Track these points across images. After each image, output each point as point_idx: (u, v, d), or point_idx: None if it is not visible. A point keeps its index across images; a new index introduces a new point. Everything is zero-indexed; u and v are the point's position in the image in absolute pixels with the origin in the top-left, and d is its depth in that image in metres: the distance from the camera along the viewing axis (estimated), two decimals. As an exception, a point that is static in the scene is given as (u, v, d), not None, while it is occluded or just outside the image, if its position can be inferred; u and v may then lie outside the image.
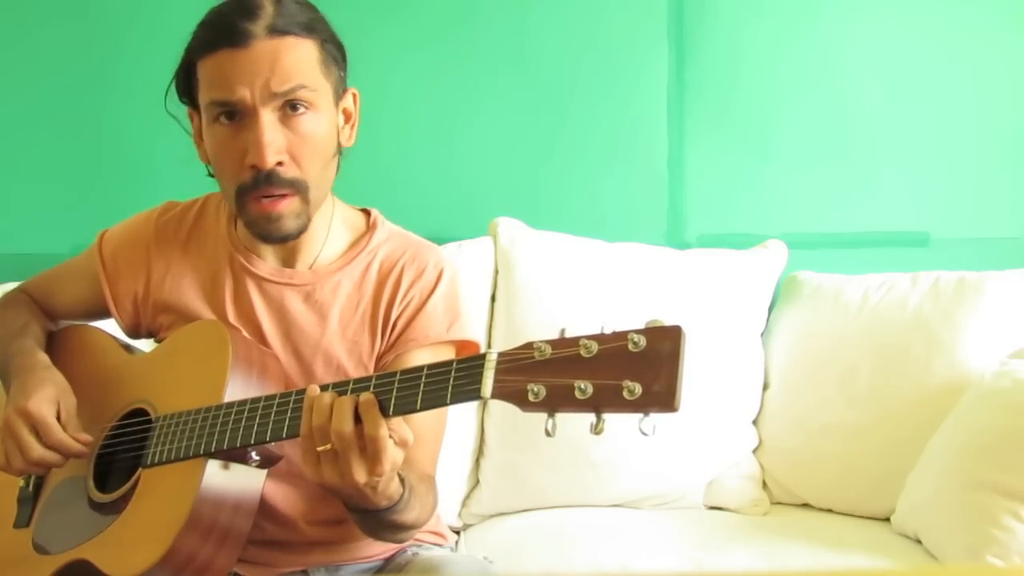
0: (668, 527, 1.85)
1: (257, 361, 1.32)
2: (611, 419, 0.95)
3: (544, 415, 0.98)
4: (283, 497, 1.38)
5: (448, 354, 1.38)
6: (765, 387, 2.04)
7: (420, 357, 1.35)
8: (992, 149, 2.20)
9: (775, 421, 2.02)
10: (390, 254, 1.43)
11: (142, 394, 1.38)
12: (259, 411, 1.20)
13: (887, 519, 1.85)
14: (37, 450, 1.29)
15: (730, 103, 2.21)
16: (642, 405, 0.93)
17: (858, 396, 1.91)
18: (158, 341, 1.48)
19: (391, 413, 1.09)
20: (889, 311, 1.96)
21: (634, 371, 0.94)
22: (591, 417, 0.96)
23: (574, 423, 0.98)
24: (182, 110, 1.39)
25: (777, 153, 2.21)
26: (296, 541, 1.40)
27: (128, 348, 1.50)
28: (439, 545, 1.51)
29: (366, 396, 1.10)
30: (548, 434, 0.97)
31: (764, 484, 2.01)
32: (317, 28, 1.32)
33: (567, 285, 1.98)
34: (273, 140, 1.27)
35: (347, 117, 1.38)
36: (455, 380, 1.05)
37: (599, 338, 0.97)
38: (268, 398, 1.20)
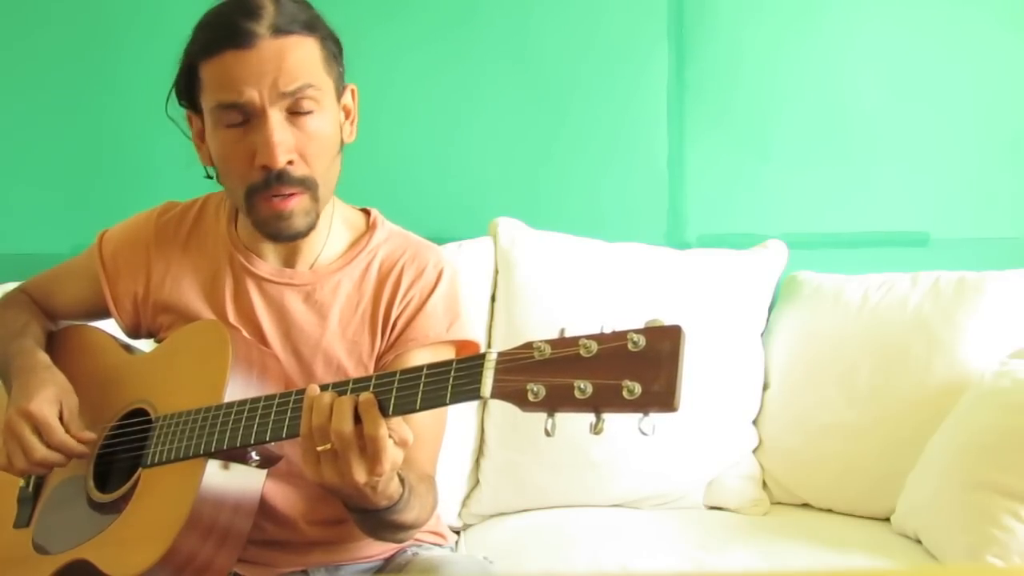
0: (668, 527, 1.85)
1: (257, 361, 1.32)
2: (611, 419, 0.95)
3: (544, 415, 0.98)
4: (283, 497, 1.38)
5: (448, 354, 1.38)
6: (765, 387, 2.04)
7: (420, 357, 1.35)
8: (992, 149, 2.20)
9: (775, 421, 2.02)
10: (390, 254, 1.43)
11: (142, 394, 1.38)
12: (259, 411, 1.20)
13: (887, 519, 1.85)
14: (40, 451, 1.29)
15: (730, 103, 2.21)
16: (642, 405, 0.93)
17: (858, 396, 1.91)
18: (158, 341, 1.48)
19: (391, 413, 1.09)
20: (889, 311, 1.95)
21: (634, 371, 0.94)
22: (591, 417, 0.96)
23: (574, 423, 0.98)
24: (181, 114, 1.39)
25: (777, 153, 2.21)
26: (296, 541, 1.40)
27: (128, 348, 1.50)
28: (439, 545, 1.51)
29: (366, 396, 1.10)
30: (548, 434, 0.97)
31: (764, 484, 2.01)
32: (317, 26, 1.32)
33: (567, 285, 1.98)
34: (283, 140, 1.27)
35: (347, 113, 1.38)
36: (455, 380, 1.05)
37: (599, 338, 0.97)
38: (268, 398, 1.20)
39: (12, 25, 2.16)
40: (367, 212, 1.49)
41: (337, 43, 1.35)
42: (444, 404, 1.06)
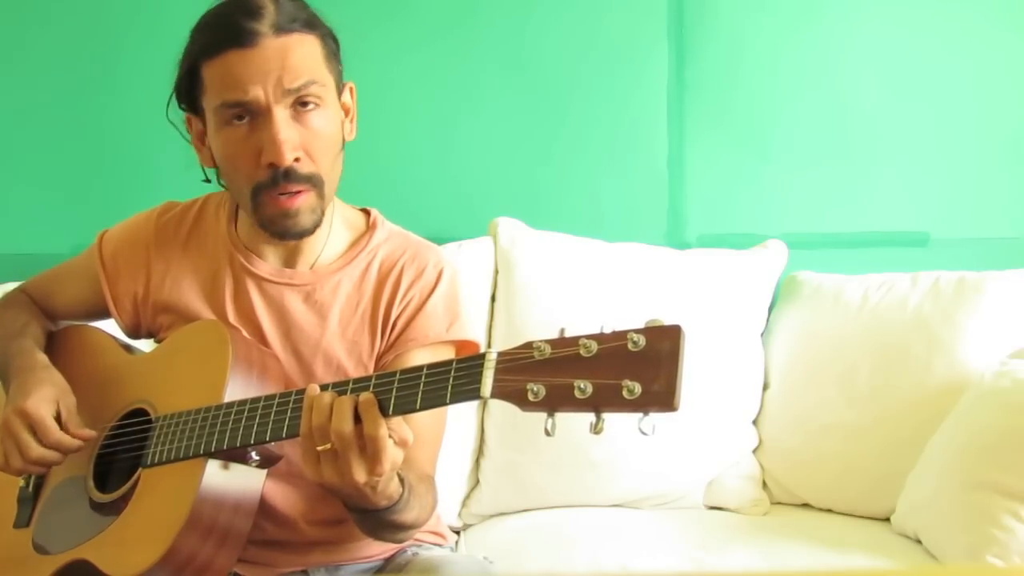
0: (668, 527, 1.85)
1: (257, 361, 1.32)
2: (611, 419, 0.95)
3: (544, 415, 0.98)
4: (283, 497, 1.38)
5: (448, 354, 1.38)
6: (765, 387, 2.04)
7: (420, 357, 1.35)
8: (992, 149, 2.20)
9: (775, 421, 2.02)
10: (390, 254, 1.43)
11: (142, 394, 1.38)
12: (259, 411, 1.20)
13: (887, 519, 1.85)
14: (36, 450, 1.29)
15: (730, 103, 2.21)
16: (642, 404, 0.93)
17: (858, 396, 1.91)
18: (158, 341, 1.48)
19: (391, 413, 1.09)
20: (889, 311, 1.95)
21: (634, 370, 0.94)
22: (591, 417, 0.96)
23: (574, 423, 0.98)
24: (181, 117, 1.39)
25: (777, 153, 2.21)
26: (296, 541, 1.40)
27: (128, 348, 1.50)
28: (439, 545, 1.51)
29: (366, 396, 1.10)
30: (548, 434, 0.97)
31: (764, 484, 2.01)
32: (316, 24, 1.33)
33: (567, 285, 1.98)
34: (289, 137, 1.27)
35: (347, 111, 1.39)
36: (455, 380, 1.05)
37: (599, 338, 0.97)
38: (268, 398, 1.20)
39: (12, 25, 2.16)
40: (367, 212, 1.49)
41: (336, 41, 1.36)
42: (444, 404, 1.06)
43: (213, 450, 1.21)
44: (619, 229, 2.12)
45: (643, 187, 2.22)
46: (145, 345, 1.52)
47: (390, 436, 1.10)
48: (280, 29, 1.27)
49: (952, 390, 1.81)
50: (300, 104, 1.29)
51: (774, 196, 2.22)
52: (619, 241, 2.07)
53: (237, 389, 1.26)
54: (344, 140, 1.37)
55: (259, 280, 1.40)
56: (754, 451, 2.02)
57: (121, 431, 1.36)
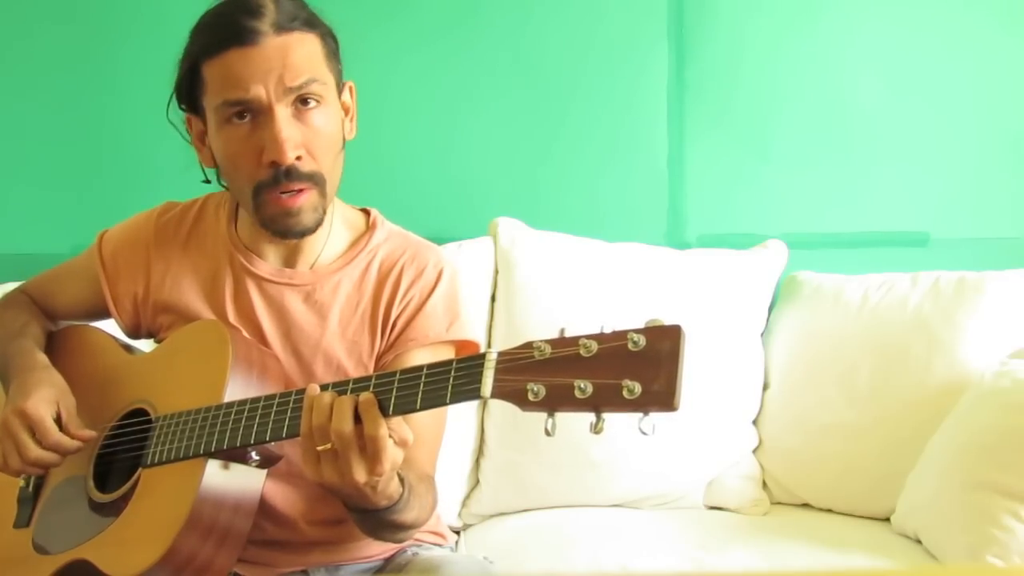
0: (668, 527, 1.85)
1: (257, 361, 1.32)
2: (611, 419, 0.95)
3: (544, 414, 0.98)
4: (283, 497, 1.38)
5: (448, 354, 1.38)
6: (765, 387, 2.04)
7: (420, 357, 1.35)
8: (992, 149, 2.20)
9: (775, 421, 2.02)
10: (390, 254, 1.43)
11: (142, 394, 1.38)
12: (259, 411, 1.20)
13: (887, 519, 1.85)
14: (34, 451, 1.29)
15: (730, 103, 2.21)
16: (642, 404, 0.93)
17: (858, 396, 1.91)
18: (158, 341, 1.48)
19: (391, 413, 1.09)
20: (889, 311, 1.95)
21: (634, 370, 0.94)
22: (591, 417, 0.96)
23: (574, 423, 0.98)
24: (181, 117, 1.39)
25: (777, 153, 2.21)
26: (296, 541, 1.40)
27: (128, 348, 1.50)
28: (439, 545, 1.51)
29: (366, 396, 1.10)
30: (548, 433, 0.97)
31: (764, 484, 2.01)
32: (316, 23, 1.33)
33: (567, 285, 1.98)
34: (291, 135, 1.28)
35: (346, 110, 1.39)
36: (455, 380, 1.05)
37: (599, 337, 0.97)
38: (268, 398, 1.20)
39: (12, 25, 2.16)
40: (367, 212, 1.49)
41: (335, 40, 1.36)
42: (444, 404, 1.06)
43: (213, 450, 1.21)
44: (619, 229, 2.12)
45: (643, 187, 2.22)
46: (145, 345, 1.52)
47: (390, 436, 1.10)
48: (281, 28, 1.28)
49: (952, 390, 1.81)
50: (301, 102, 1.29)
51: (774, 196, 2.22)
52: (619, 241, 2.07)
53: (237, 389, 1.26)
54: (344, 139, 1.37)
55: (259, 280, 1.40)
56: (754, 451, 2.02)
57: (121, 431, 1.36)
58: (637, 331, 0.95)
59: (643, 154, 2.21)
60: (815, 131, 2.21)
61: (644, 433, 0.94)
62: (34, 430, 1.29)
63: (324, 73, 1.31)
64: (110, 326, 1.51)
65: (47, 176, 2.19)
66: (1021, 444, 1.61)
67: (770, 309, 2.10)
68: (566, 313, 1.92)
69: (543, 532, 1.84)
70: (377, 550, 1.44)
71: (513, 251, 2.02)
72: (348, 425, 1.09)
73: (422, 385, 1.07)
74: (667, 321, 0.96)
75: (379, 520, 1.23)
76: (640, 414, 0.94)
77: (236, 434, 1.20)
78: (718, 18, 2.20)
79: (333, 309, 1.39)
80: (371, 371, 1.38)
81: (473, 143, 2.21)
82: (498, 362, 1.01)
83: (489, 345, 1.96)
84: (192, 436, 1.24)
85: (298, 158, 1.29)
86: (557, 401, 0.97)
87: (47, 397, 1.32)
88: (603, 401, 0.95)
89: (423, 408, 1.08)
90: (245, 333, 1.37)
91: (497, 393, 1.00)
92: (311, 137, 1.30)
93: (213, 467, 1.22)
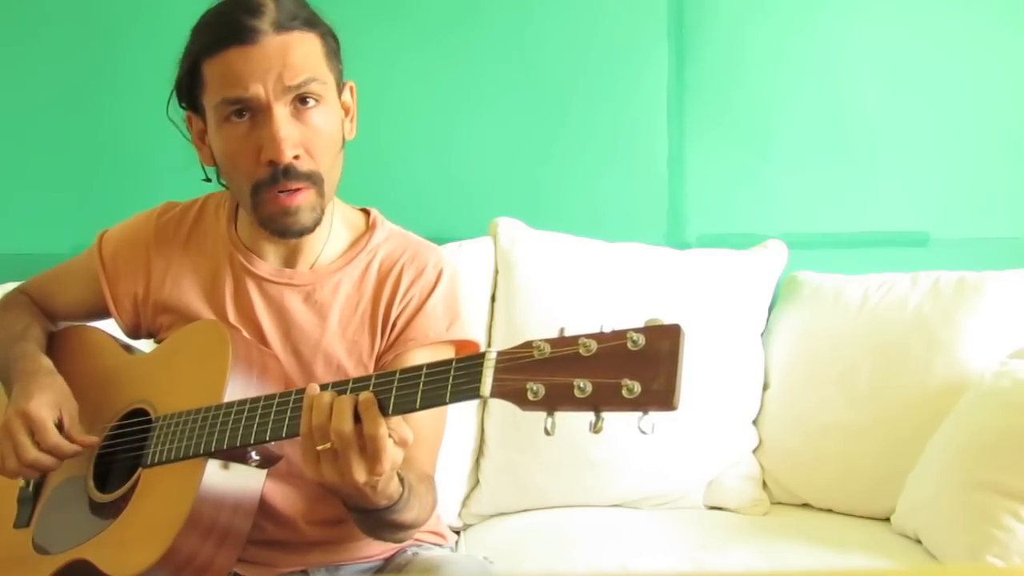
0: (668, 527, 1.85)
1: (257, 361, 1.32)
2: (610, 418, 0.95)
3: (543, 414, 0.98)
4: (283, 497, 1.38)
5: (448, 354, 1.38)
6: (765, 387, 2.04)
7: (420, 357, 1.35)
8: (992, 149, 2.20)
9: (775, 421, 2.02)
10: (390, 254, 1.43)
11: (142, 394, 1.38)
12: (259, 411, 1.20)
13: (887, 519, 1.85)
14: (31, 452, 1.29)
15: (730, 103, 2.21)
16: (641, 404, 0.93)
17: (858, 396, 1.91)
18: (158, 341, 1.48)
19: (390, 412, 1.09)
20: (889, 311, 1.95)
21: (633, 370, 0.94)
22: (590, 416, 0.96)
23: (574, 422, 0.98)
24: (181, 116, 1.39)
25: (777, 153, 2.21)
26: (296, 541, 1.40)
27: (128, 348, 1.50)
28: (439, 545, 1.51)
29: (365, 395, 1.10)
30: (547, 433, 0.97)
31: (764, 484, 2.01)
32: (316, 22, 1.33)
33: (567, 285, 1.98)
34: (289, 134, 1.28)
35: (347, 111, 1.39)
36: (454, 379, 1.05)
37: (598, 337, 0.97)
38: (268, 398, 1.20)
39: (12, 25, 2.17)
40: (367, 212, 1.49)
41: (336, 40, 1.36)
42: (444, 403, 1.06)
43: (213, 450, 1.21)
44: (619, 229, 2.12)
45: (643, 187, 2.22)
46: (145, 345, 1.52)
47: (390, 436, 1.10)
48: (281, 27, 1.28)
49: (952, 390, 1.81)
50: (300, 101, 1.29)
51: (774, 196, 2.22)
52: (619, 241, 2.07)
53: (237, 389, 1.26)
54: (344, 139, 1.37)
55: (259, 280, 1.40)
56: (754, 451, 2.02)
57: (121, 431, 1.36)
58: (637, 330, 0.95)
59: (643, 154, 2.21)
60: (815, 131, 2.21)
61: (644, 432, 0.94)
62: (34, 432, 1.29)
63: (324, 72, 1.31)
64: (110, 326, 1.51)
65: (47, 176, 2.19)
66: (1021, 444, 1.61)
67: (770, 309, 2.10)
68: (566, 313, 1.92)
69: (543, 532, 1.84)
70: (377, 550, 1.44)
71: (513, 251, 2.02)
72: (348, 424, 1.09)
73: (422, 385, 1.07)
74: (667, 320, 0.96)
75: (379, 520, 1.23)
76: (640, 413, 0.94)
77: (236, 434, 1.20)
78: (718, 18, 2.20)
79: (333, 309, 1.39)
80: (371, 371, 1.38)
81: (473, 143, 2.21)
82: (497, 361, 1.01)
83: (489, 345, 1.96)
84: (192, 436, 1.24)
85: (296, 157, 1.29)
86: (557, 400, 0.97)
87: (50, 401, 1.32)
88: (602, 400, 0.95)
89: (423, 407, 1.07)
90: (245, 333, 1.37)
91: (497, 392, 1.00)
92: (310, 136, 1.30)
93: (213, 467, 1.22)
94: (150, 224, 1.48)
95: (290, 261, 1.41)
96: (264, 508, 1.31)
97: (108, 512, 1.30)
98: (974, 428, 1.71)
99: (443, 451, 1.44)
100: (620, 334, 0.96)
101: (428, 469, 1.39)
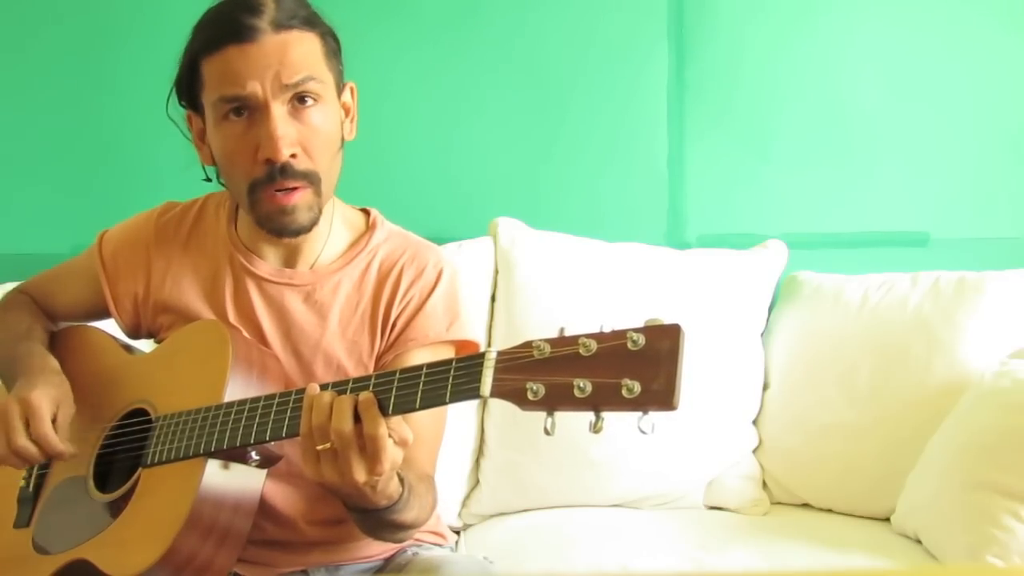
0: (668, 527, 1.85)
1: (257, 361, 1.32)
2: (610, 418, 0.95)
3: (543, 414, 0.98)
4: (283, 497, 1.38)
5: (448, 354, 1.38)
6: (765, 387, 2.04)
7: (420, 356, 1.35)
8: (992, 149, 2.20)
9: (775, 421, 2.02)
10: (390, 254, 1.43)
11: (142, 394, 1.38)
12: (259, 411, 1.20)
13: (887, 519, 1.85)
14: (21, 438, 1.27)
15: (730, 103, 2.21)
16: (641, 404, 0.93)
17: (858, 396, 1.91)
18: (158, 341, 1.48)
19: (390, 412, 1.09)
20: (889, 311, 1.95)
21: (633, 369, 0.94)
22: (590, 416, 0.96)
23: (573, 422, 0.98)
24: (181, 115, 1.39)
25: (777, 153, 2.21)
26: (296, 541, 1.40)
27: (128, 348, 1.50)
28: (439, 545, 1.51)
29: (365, 395, 1.10)
30: (547, 433, 0.97)
31: (764, 484, 2.01)
32: (316, 22, 1.33)
33: (567, 285, 1.98)
34: (286, 133, 1.28)
35: (347, 111, 1.39)
36: (454, 379, 1.05)
37: (598, 337, 0.97)
38: (268, 398, 1.20)
39: (12, 25, 2.17)
40: (367, 212, 1.49)
41: (336, 40, 1.36)
42: (444, 403, 1.06)
43: (213, 450, 1.21)
44: (619, 229, 2.12)
45: (643, 187, 2.22)
46: (145, 345, 1.52)
47: (390, 435, 1.10)
48: (280, 26, 1.28)
49: (952, 390, 1.81)
50: (298, 100, 1.29)
51: (774, 196, 2.22)
52: (619, 241, 2.07)
53: (237, 389, 1.26)
54: (343, 139, 1.37)
55: (259, 280, 1.40)
56: (754, 451, 2.02)
57: (121, 431, 1.36)
58: (636, 330, 0.95)
59: (643, 154, 2.21)
60: (815, 131, 2.21)
61: (643, 432, 0.94)
62: (29, 419, 1.28)
63: (322, 72, 1.31)
64: (110, 326, 1.51)
65: (47, 176, 2.19)
66: (1021, 444, 1.61)
67: (770, 309, 2.10)
68: (566, 313, 1.92)
69: (543, 532, 1.84)
70: (377, 550, 1.44)
71: (513, 251, 2.02)
72: (348, 424, 1.09)
73: (421, 384, 1.07)
74: (666, 320, 0.96)
75: (379, 520, 1.23)
76: (639, 413, 0.94)
77: (236, 434, 1.20)
78: (718, 18, 2.20)
79: (333, 309, 1.39)
80: (371, 371, 1.38)
81: (473, 143, 2.21)
82: (497, 361, 1.01)
83: (489, 345, 1.96)
84: (192, 436, 1.24)
85: (293, 156, 1.29)
86: (556, 400, 0.97)
87: (51, 396, 1.32)
88: (602, 400, 0.95)
89: (422, 407, 1.07)
90: (245, 333, 1.37)
91: (496, 392, 1.00)
92: (307, 135, 1.30)
93: (213, 467, 1.22)
94: (150, 224, 1.48)
95: (290, 261, 1.41)
96: (264, 508, 1.31)
97: (108, 512, 1.30)
98: (974, 428, 1.71)
99: (443, 451, 1.44)
100: (620, 334, 0.96)
101: (428, 469, 1.39)
